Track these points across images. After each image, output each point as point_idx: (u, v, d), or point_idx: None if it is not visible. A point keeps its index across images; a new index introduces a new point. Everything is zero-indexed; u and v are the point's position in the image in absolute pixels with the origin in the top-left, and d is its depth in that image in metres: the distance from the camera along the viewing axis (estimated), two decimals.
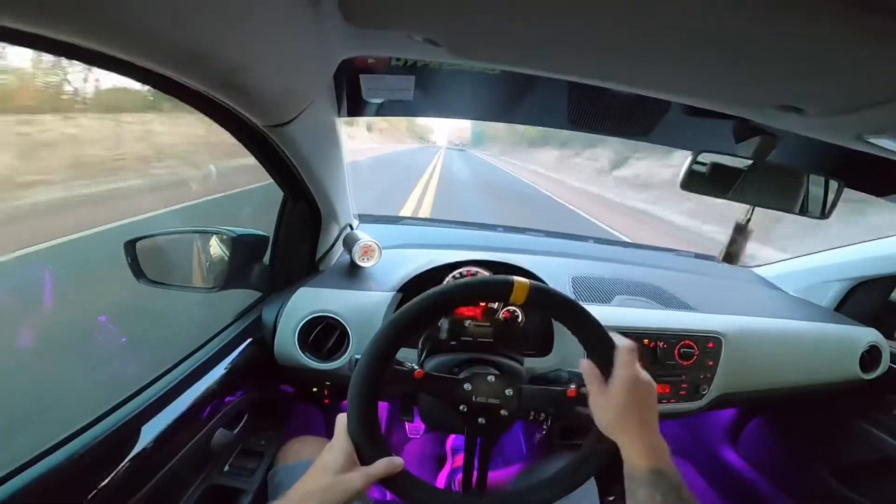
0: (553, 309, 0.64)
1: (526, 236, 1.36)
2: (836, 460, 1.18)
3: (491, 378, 0.63)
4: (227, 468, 0.81)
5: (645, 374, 0.56)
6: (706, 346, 0.92)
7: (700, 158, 0.62)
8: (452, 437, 1.47)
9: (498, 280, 0.56)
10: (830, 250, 1.27)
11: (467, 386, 0.62)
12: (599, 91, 0.73)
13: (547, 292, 0.58)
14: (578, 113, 0.86)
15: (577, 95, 0.79)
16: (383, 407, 1.41)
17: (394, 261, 0.93)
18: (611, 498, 1.17)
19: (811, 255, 1.33)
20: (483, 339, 0.80)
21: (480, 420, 0.63)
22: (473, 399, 0.62)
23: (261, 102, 0.50)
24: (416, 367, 0.60)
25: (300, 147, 0.65)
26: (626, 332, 0.84)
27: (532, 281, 0.56)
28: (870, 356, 1.09)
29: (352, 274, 0.89)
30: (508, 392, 0.63)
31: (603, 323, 0.84)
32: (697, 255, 1.52)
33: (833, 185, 0.63)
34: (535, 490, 0.61)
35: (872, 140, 0.45)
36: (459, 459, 1.42)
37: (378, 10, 0.40)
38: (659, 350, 0.89)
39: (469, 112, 0.95)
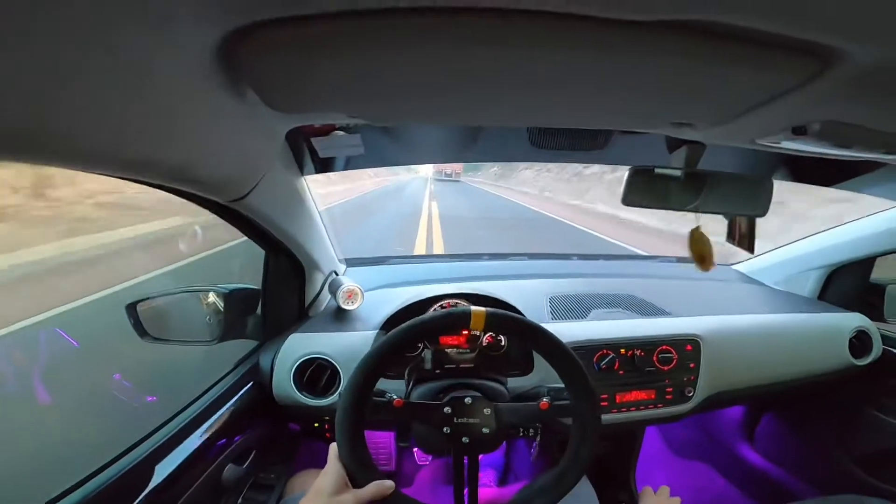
0: (511, 331, 0.70)
1: (509, 262, 1.41)
2: (857, 450, 1.18)
3: (468, 400, 0.68)
4: (240, 501, 0.87)
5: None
6: (684, 350, 0.95)
7: (636, 173, 0.68)
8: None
9: (454, 312, 0.63)
10: (806, 238, 1.29)
11: (447, 409, 0.67)
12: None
13: (502, 317, 0.64)
14: (537, 144, 0.93)
15: (533, 129, 0.86)
16: (390, 436, 1.45)
17: (378, 301, 0.99)
18: (621, 502, 1.18)
19: (788, 246, 1.35)
20: (465, 366, 0.86)
21: (464, 439, 0.68)
22: (454, 421, 0.67)
23: (214, 186, 0.55)
24: (395, 397, 0.66)
25: (265, 212, 0.71)
26: (600, 345, 0.90)
27: (488, 308, 0.63)
28: (859, 341, 1.10)
29: (338, 317, 0.96)
30: (487, 411, 0.68)
31: (578, 337, 0.92)
32: (679, 259, 1.56)
33: (765, 183, 0.68)
34: (525, 502, 0.65)
35: (763, 142, 0.51)
36: (479, 477, 1.44)
37: (294, 99, 0.46)
38: (636, 358, 0.92)
39: (435, 156, 1.02)
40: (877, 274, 1.23)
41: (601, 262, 1.56)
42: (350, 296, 0.93)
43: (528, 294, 1.09)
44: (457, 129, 0.86)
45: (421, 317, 0.63)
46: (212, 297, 0.94)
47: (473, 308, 0.62)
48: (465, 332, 0.92)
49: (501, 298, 0.96)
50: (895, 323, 1.19)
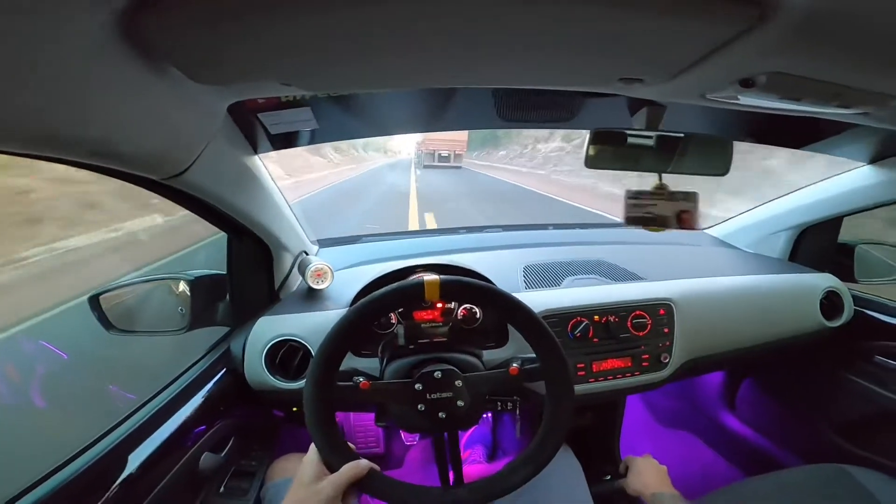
0: (469, 297, 0.69)
1: (485, 234, 1.41)
2: (836, 417, 1.21)
3: (438, 374, 0.68)
4: (222, 489, 0.88)
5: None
6: (657, 314, 0.96)
7: (598, 136, 0.68)
8: (468, 434, 1.54)
9: (407, 284, 0.63)
10: (775, 200, 1.31)
11: (418, 386, 0.67)
12: (518, 90, 0.82)
13: (457, 283, 0.64)
14: (505, 111, 0.92)
15: (501, 94, 0.85)
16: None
17: (350, 278, 0.99)
18: (607, 477, 1.21)
19: (758, 208, 1.37)
20: (438, 339, 0.86)
21: (441, 415, 0.68)
22: (427, 397, 0.67)
23: (142, 162, 0.54)
24: (361, 380, 0.66)
25: (212, 190, 0.70)
26: (574, 312, 0.90)
27: (442, 276, 0.63)
28: (830, 302, 1.13)
29: (309, 297, 0.95)
30: (458, 384, 0.68)
31: (551, 305, 0.92)
32: None
33: (726, 143, 0.69)
34: (506, 475, 0.65)
35: (714, 97, 0.51)
36: (467, 454, 1.47)
37: (215, 69, 0.45)
38: (610, 324, 0.93)
39: (400, 127, 1.01)
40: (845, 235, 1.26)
41: (577, 230, 1.57)
42: (319, 275, 0.93)
43: (502, 264, 1.09)
44: (421, 98, 0.84)
45: (373, 293, 0.62)
46: (178, 285, 0.93)
47: (426, 277, 0.62)
48: (440, 306, 0.92)
49: (471, 268, 0.96)
50: (866, 283, 1.22)
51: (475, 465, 1.44)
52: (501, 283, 0.93)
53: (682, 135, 0.68)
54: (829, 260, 1.23)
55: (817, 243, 1.25)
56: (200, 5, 0.33)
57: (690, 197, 0.70)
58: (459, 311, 0.93)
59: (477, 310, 0.95)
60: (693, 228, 0.72)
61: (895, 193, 1.03)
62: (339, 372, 0.63)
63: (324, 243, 1.22)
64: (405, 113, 0.91)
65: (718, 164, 0.69)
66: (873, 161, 1.03)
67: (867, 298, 1.18)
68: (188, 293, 0.90)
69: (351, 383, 0.65)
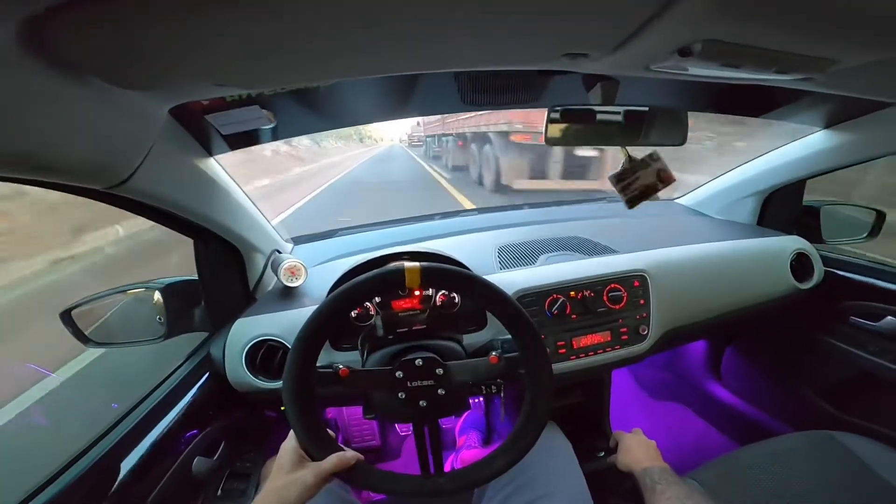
0: (448, 284, 0.70)
1: (460, 218, 1.43)
2: (819, 381, 1.24)
3: (419, 361, 0.69)
4: (219, 492, 0.89)
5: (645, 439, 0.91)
6: (632, 286, 0.98)
7: (555, 113, 0.70)
8: (462, 419, 1.56)
9: (386, 271, 0.62)
10: (741, 165, 1.35)
11: (399, 374, 0.68)
12: (476, 73, 0.83)
13: (437, 270, 0.64)
14: (468, 94, 0.93)
15: (463, 77, 0.85)
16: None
17: (326, 273, 0.99)
18: (600, 454, 1.24)
19: (726, 174, 1.40)
20: (418, 328, 0.86)
21: (421, 403, 0.69)
22: (408, 385, 0.68)
23: (78, 172, 0.53)
24: (341, 366, 0.66)
25: (163, 195, 0.69)
26: (550, 289, 0.92)
27: (422, 263, 0.63)
28: (800, 264, 1.16)
29: (285, 296, 0.96)
30: (439, 371, 0.69)
31: (527, 283, 0.93)
32: None
33: (680, 114, 0.72)
34: (488, 463, 0.67)
35: (658, 68, 0.53)
36: (462, 440, 1.49)
37: (140, 74, 0.45)
38: (587, 299, 0.94)
39: (363, 117, 1.01)
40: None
41: (551, 208, 1.59)
42: (292, 272, 0.93)
43: (477, 247, 1.11)
44: (382, 85, 0.84)
45: (352, 281, 0.62)
46: (150, 294, 0.93)
47: (407, 264, 0.62)
48: (418, 294, 0.93)
49: (445, 254, 0.97)
50: (834, 244, 1.27)
51: (471, 451, 1.47)
52: (476, 266, 0.95)
53: (638, 108, 0.70)
54: (796, 222, 1.27)
55: (783, 207, 1.29)
56: (109, 13, 0.33)
57: (654, 155, 0.74)
58: (438, 298, 0.94)
59: (455, 295, 0.95)
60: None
61: (850, 157, 1.07)
62: (320, 365, 0.64)
63: (298, 240, 1.23)
64: (367, 102, 0.91)
65: (675, 134, 0.72)
66: (828, 126, 1.07)
67: (837, 258, 1.22)
68: (161, 301, 0.90)
69: (330, 370, 0.65)
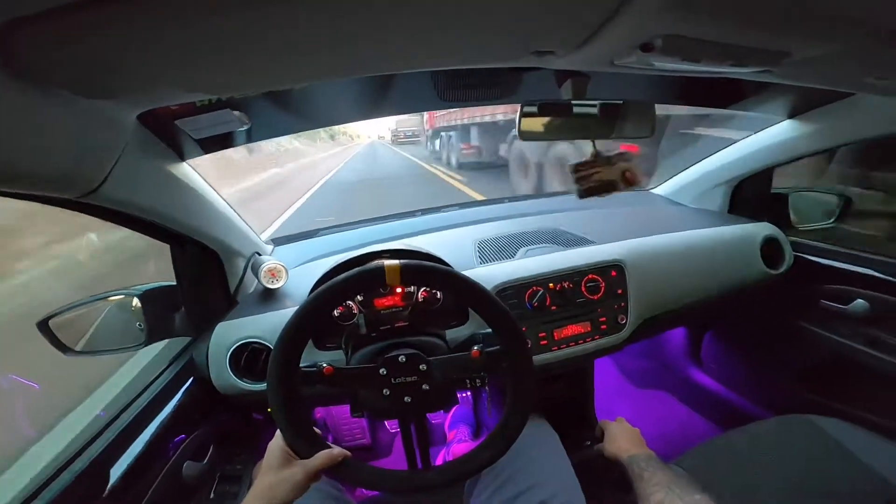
0: (429, 281, 0.71)
1: (441, 214, 1.44)
2: (795, 365, 1.28)
3: (402, 358, 0.70)
4: (212, 495, 0.90)
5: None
6: (610, 276, 1.00)
7: (528, 108, 0.72)
8: (451, 414, 1.57)
9: (367, 269, 0.63)
10: (713, 155, 1.38)
11: (383, 371, 0.69)
12: (450, 71, 0.84)
13: (416, 268, 0.65)
14: (444, 91, 0.94)
15: (439, 75, 0.87)
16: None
17: (306, 274, 1.00)
18: (587, 443, 1.26)
19: (699, 164, 1.44)
20: (401, 324, 0.87)
21: (406, 399, 0.70)
22: (392, 381, 0.69)
23: (49, 183, 0.53)
24: (325, 365, 0.67)
25: (136, 202, 0.69)
26: (529, 282, 0.94)
27: (402, 261, 0.64)
28: (771, 250, 1.20)
29: (266, 298, 0.96)
30: (422, 367, 0.70)
31: (507, 277, 0.95)
32: None
33: (648, 107, 0.74)
34: (473, 457, 0.68)
35: (623, 63, 0.55)
36: (452, 434, 1.50)
37: (103, 84, 0.45)
38: (566, 290, 0.96)
39: (340, 117, 1.02)
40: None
41: (530, 201, 1.61)
42: (273, 274, 0.94)
43: (457, 242, 1.12)
44: (358, 84, 0.85)
45: (332, 280, 0.63)
46: (129, 300, 0.92)
47: (386, 262, 0.63)
48: (400, 291, 0.94)
49: (426, 251, 0.98)
50: (803, 229, 1.31)
51: (461, 445, 1.48)
52: (456, 261, 0.96)
53: (608, 102, 0.73)
54: (765, 210, 1.31)
55: (752, 195, 1.34)
56: (74, 25, 0.33)
57: (626, 156, 0.75)
58: (420, 294, 0.95)
59: (437, 291, 0.96)
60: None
61: (812, 145, 1.12)
62: (305, 365, 0.65)
63: (279, 241, 1.23)
64: (343, 101, 0.91)
65: (644, 127, 0.74)
66: (791, 116, 1.12)
67: (806, 244, 1.26)
68: (140, 307, 0.90)
69: (314, 368, 0.66)
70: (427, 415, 1.68)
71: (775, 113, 1.13)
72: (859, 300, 1.10)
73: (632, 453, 0.81)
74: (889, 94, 0.84)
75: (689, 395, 1.65)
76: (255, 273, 0.95)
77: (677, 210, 1.45)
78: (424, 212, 1.46)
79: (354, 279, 0.63)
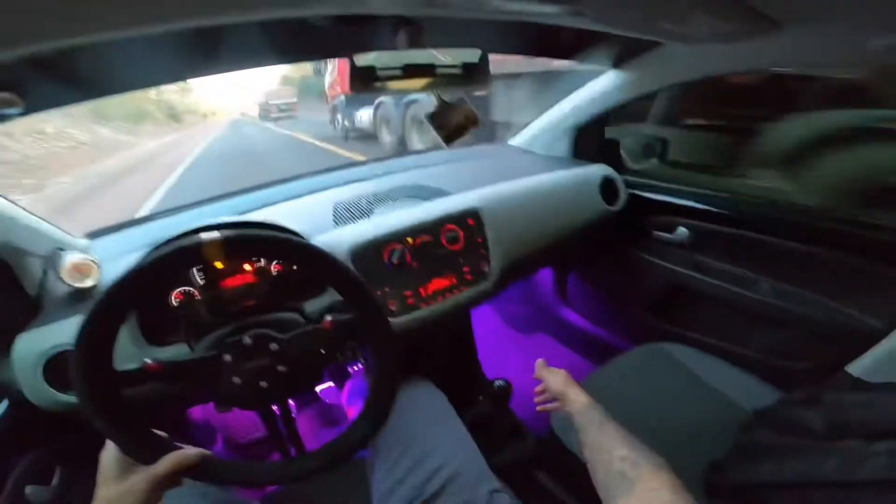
0: (257, 252, 0.64)
1: (296, 182, 1.34)
2: (643, 296, 1.41)
3: (247, 340, 0.63)
4: None
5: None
6: (467, 224, 1.01)
7: (359, 61, 0.67)
8: (346, 390, 1.52)
9: (180, 246, 0.53)
10: (557, 105, 1.48)
11: (227, 357, 0.62)
12: (276, 24, 0.74)
13: (241, 238, 0.56)
14: (273, 48, 0.84)
15: (265, 30, 0.77)
16: None
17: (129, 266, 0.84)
18: (480, 398, 1.29)
19: (548, 112, 1.53)
20: (249, 303, 0.80)
21: (262, 384, 0.64)
22: (241, 368, 0.63)
23: None
24: (148, 360, 0.58)
25: None
26: (386, 239, 0.91)
27: (225, 233, 0.54)
28: (608, 189, 1.32)
29: (78, 299, 0.80)
30: (273, 347, 0.64)
31: (363, 237, 0.90)
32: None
33: (482, 56, 0.74)
34: (348, 435, 0.64)
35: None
36: (351, 411, 1.46)
37: None
38: (426, 244, 0.95)
39: (144, 80, 0.84)
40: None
41: (394, 160, 1.59)
42: (80, 270, 0.78)
43: (311, 209, 1.06)
44: (169, 43, 0.70)
45: (127, 268, 0.52)
46: None
47: (204, 236, 0.53)
48: (250, 267, 0.85)
49: (267, 221, 0.89)
50: (637, 167, 1.48)
51: None
52: (310, 228, 0.90)
53: (441, 51, 0.71)
54: (601, 153, 1.45)
55: (590, 140, 1.47)
56: None
57: (462, 100, 0.80)
58: (273, 268, 0.87)
59: None
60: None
61: (633, 91, 1.26)
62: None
63: (97, 234, 1.02)
64: (146, 61, 0.76)
65: (480, 77, 0.74)
66: (615, 66, 1.24)
67: (636, 181, 1.41)
68: None
69: (134, 367, 0.57)
70: (321, 395, 1.62)
71: (602, 64, 1.24)
72: (681, 228, 1.27)
73: (582, 401, 0.74)
74: (687, 41, 0.96)
75: (564, 335, 1.78)
76: (57, 272, 0.78)
77: (530, 158, 1.53)
78: (281, 182, 1.35)
79: (165, 258, 0.53)
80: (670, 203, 1.32)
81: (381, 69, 0.68)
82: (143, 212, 5.11)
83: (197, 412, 1.44)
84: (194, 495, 0.72)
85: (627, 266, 1.45)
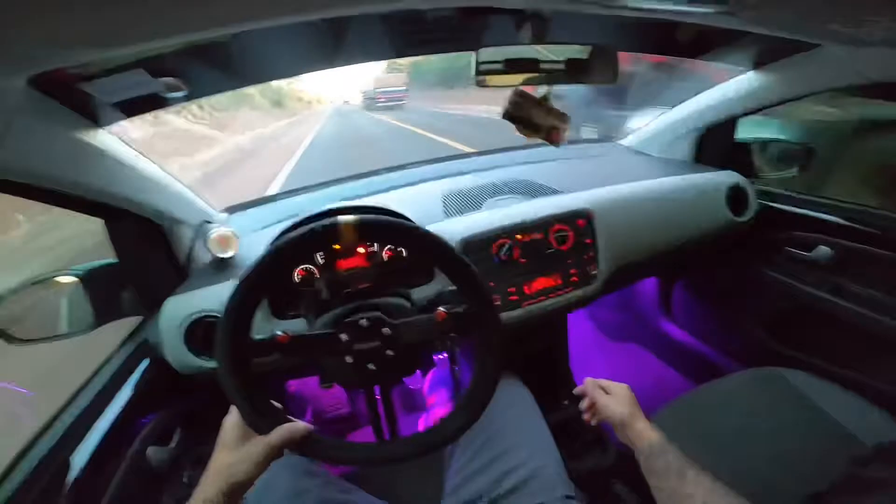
0: (388, 237, 0.67)
1: (407, 171, 1.38)
2: (763, 315, 1.29)
3: (363, 322, 0.66)
4: (185, 479, 0.87)
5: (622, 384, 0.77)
6: (578, 225, 0.98)
7: (484, 54, 0.68)
8: (429, 378, 1.56)
9: (319, 227, 0.58)
10: (678, 106, 1.38)
11: (344, 336, 0.65)
12: (403, 17, 0.78)
13: (373, 223, 0.59)
14: (397, 40, 0.89)
15: (385, 24, 0.81)
16: None
17: (261, 241, 0.94)
18: (565, 402, 1.27)
19: (665, 114, 1.43)
20: (364, 286, 0.83)
21: (370, 366, 0.66)
22: (354, 347, 0.65)
23: None
24: (279, 332, 0.62)
25: (41, 173, 0.63)
26: (496, 234, 0.92)
27: (360, 216, 0.58)
28: (736, 198, 1.20)
29: (219, 268, 0.91)
30: (385, 331, 0.66)
31: (473, 230, 0.92)
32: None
33: (611, 52, 0.71)
34: (442, 427, 0.65)
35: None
36: (433, 399, 1.50)
37: None
38: (535, 242, 0.94)
39: (282, 70, 0.93)
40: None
41: (498, 154, 1.57)
42: (222, 242, 0.88)
43: (422, 198, 1.09)
44: (303, 33, 0.76)
45: (276, 241, 0.58)
46: (70, 282, 0.86)
47: (341, 219, 0.57)
48: (363, 251, 0.90)
49: (386, 207, 0.94)
50: (765, 177, 1.32)
51: (442, 409, 1.48)
52: (421, 217, 0.92)
53: (569, 47, 0.69)
54: (730, 158, 1.32)
55: (717, 144, 1.34)
56: None
57: (564, 118, 0.74)
58: (384, 253, 0.91)
59: (402, 249, 0.92)
60: (556, 144, 0.76)
61: (775, 96, 1.12)
62: (260, 336, 0.61)
63: (233, 210, 1.16)
64: (285, 53, 0.83)
65: (607, 73, 0.71)
66: (756, 67, 1.11)
67: (770, 191, 1.27)
68: (83, 289, 0.84)
69: (267, 337, 0.62)
70: (404, 380, 1.69)
71: (741, 64, 1.12)
72: (822, 246, 1.11)
73: (648, 438, 0.66)
74: (854, 44, 0.83)
75: (661, 348, 1.67)
76: (205, 242, 0.89)
77: (643, 160, 1.44)
78: (390, 170, 1.40)
79: (305, 237, 0.58)
80: (810, 217, 1.17)
81: (505, 62, 0.68)
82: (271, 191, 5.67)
83: (293, 384, 1.54)
84: (280, 462, 0.78)
85: (748, 281, 1.31)
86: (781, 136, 1.44)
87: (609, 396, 0.74)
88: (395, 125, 14.17)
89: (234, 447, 0.56)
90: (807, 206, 1.19)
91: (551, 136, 0.75)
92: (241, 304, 0.57)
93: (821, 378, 0.98)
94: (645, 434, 0.65)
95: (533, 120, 0.73)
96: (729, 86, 1.21)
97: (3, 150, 0.54)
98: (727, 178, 1.22)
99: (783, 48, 0.99)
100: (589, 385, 0.79)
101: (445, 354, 1.56)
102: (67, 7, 0.37)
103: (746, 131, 1.35)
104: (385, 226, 0.61)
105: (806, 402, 0.92)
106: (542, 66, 0.69)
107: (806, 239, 1.16)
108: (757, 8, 0.58)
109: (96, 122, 0.74)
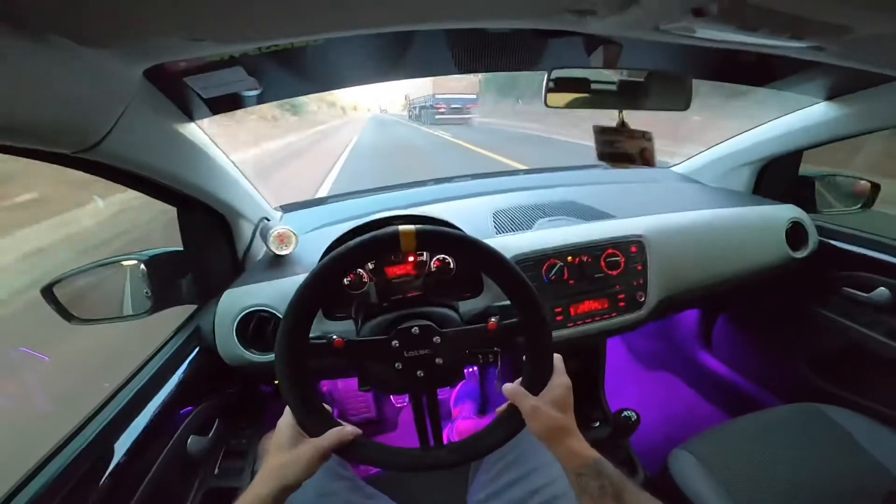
0: (446, 247, 0.68)
1: (455, 184, 1.40)
2: (809, 352, 1.26)
3: (415, 330, 0.67)
4: (217, 471, 0.90)
5: (565, 378, 0.66)
6: (630, 251, 0.98)
7: (556, 75, 0.68)
8: (456, 390, 1.57)
9: (380, 234, 0.60)
10: (737, 136, 1.35)
11: (395, 343, 0.66)
12: (472, 32, 0.80)
13: (433, 233, 0.61)
14: (463, 55, 0.90)
15: (456, 38, 0.83)
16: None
17: (316, 241, 0.97)
18: (596, 424, 1.25)
19: (721, 144, 1.41)
20: (413, 294, 0.85)
21: (419, 373, 0.67)
22: (405, 354, 0.67)
23: (43, 136, 0.51)
24: (335, 337, 0.64)
25: (137, 161, 0.67)
26: (547, 254, 0.92)
27: (418, 226, 0.60)
28: (795, 233, 1.17)
29: (275, 264, 0.95)
30: (436, 340, 0.67)
31: (524, 248, 0.93)
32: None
33: (685, 79, 0.70)
34: (485, 435, 0.66)
35: (668, 28, 0.51)
36: (457, 410, 1.50)
37: (101, 30, 0.42)
38: (584, 265, 0.94)
39: (351, 79, 0.97)
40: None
41: (546, 174, 1.57)
42: (282, 240, 0.92)
43: (472, 212, 1.10)
44: (371, 45, 0.80)
45: (344, 245, 0.59)
46: (135, 266, 0.91)
47: (402, 227, 0.59)
48: (412, 259, 0.91)
49: (440, 218, 0.95)
50: (828, 214, 1.28)
51: (465, 421, 1.48)
52: (472, 231, 0.93)
53: (641, 72, 0.69)
54: (791, 193, 1.28)
55: (779, 177, 1.30)
56: None
57: (647, 135, 0.74)
58: (433, 263, 0.92)
59: (450, 260, 0.92)
60: (652, 165, 0.75)
61: (848, 129, 1.08)
62: (314, 336, 0.63)
63: (288, 209, 1.20)
64: (354, 63, 0.87)
65: (678, 100, 0.71)
66: (829, 98, 1.07)
67: (831, 228, 1.23)
68: (146, 273, 0.88)
69: (325, 340, 0.64)
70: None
71: (813, 94, 1.09)
72: (882, 288, 1.08)
73: (583, 457, 0.58)
74: None
75: (695, 379, 1.64)
76: (264, 238, 0.93)
77: (697, 188, 1.42)
78: (437, 181, 1.42)
79: (368, 245, 0.59)
80: (871, 258, 1.13)
81: (576, 84, 0.69)
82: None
83: (325, 384, 1.56)
84: None
85: (797, 318, 1.28)
86: (845, 172, 1.38)
87: (538, 399, 0.63)
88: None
89: (287, 449, 0.57)
90: (866, 245, 1.15)
91: (645, 159, 0.75)
92: (304, 306, 0.59)
93: (864, 417, 0.95)
94: (584, 452, 0.59)
95: (625, 151, 0.73)
96: (796, 117, 1.17)
97: (111, 137, 0.58)
98: (788, 212, 1.18)
99: (860, 79, 0.96)
100: (509, 389, 0.67)
101: (475, 368, 1.56)
102: (200, 3, 0.40)
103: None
104: (446, 236, 0.62)
105: (846, 439, 0.91)
106: (613, 91, 0.69)
107: (865, 280, 1.12)
108: (847, 44, 0.56)
109: (191, 116, 0.78)
